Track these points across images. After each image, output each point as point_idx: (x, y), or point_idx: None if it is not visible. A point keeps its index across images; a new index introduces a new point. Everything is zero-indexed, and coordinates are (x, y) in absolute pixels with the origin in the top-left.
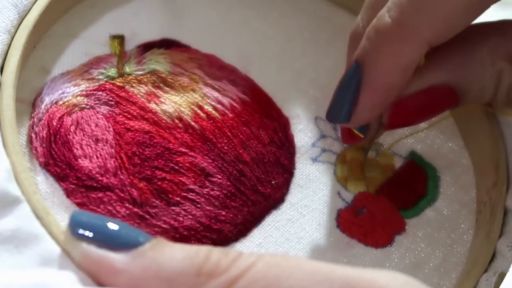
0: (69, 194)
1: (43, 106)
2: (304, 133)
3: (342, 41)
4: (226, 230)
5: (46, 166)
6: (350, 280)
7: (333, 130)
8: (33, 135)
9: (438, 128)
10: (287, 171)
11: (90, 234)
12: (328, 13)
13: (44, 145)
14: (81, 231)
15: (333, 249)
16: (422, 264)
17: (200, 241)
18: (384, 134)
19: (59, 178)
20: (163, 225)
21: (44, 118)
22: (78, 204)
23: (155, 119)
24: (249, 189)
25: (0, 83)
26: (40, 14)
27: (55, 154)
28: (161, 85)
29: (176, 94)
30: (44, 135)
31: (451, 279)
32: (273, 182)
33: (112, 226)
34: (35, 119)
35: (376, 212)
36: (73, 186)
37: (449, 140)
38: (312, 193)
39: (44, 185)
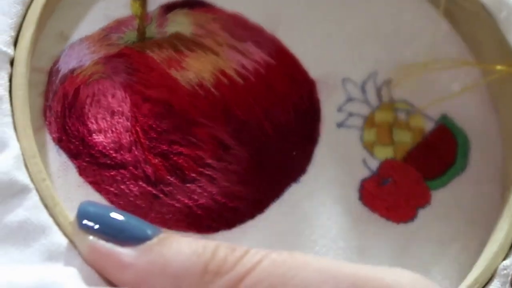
0: (81, 172)
1: (59, 76)
2: (330, 96)
3: (379, 1)
4: (242, 207)
5: (59, 142)
6: (357, 279)
7: (361, 92)
8: (47, 109)
9: (472, 93)
10: (310, 140)
11: (97, 226)
12: None
13: (58, 119)
14: (87, 223)
15: (352, 226)
16: (445, 241)
17: (214, 220)
18: (416, 94)
19: (72, 155)
20: (177, 204)
21: (59, 90)
22: (90, 183)
23: (175, 86)
24: (269, 162)
25: (14, 58)
26: None
27: (68, 129)
28: (182, 48)
29: (198, 58)
30: (59, 109)
31: (474, 260)
32: (294, 153)
33: (120, 218)
34: (50, 91)
35: (401, 182)
36: (85, 164)
37: (482, 108)
38: (336, 162)
39: (57, 162)
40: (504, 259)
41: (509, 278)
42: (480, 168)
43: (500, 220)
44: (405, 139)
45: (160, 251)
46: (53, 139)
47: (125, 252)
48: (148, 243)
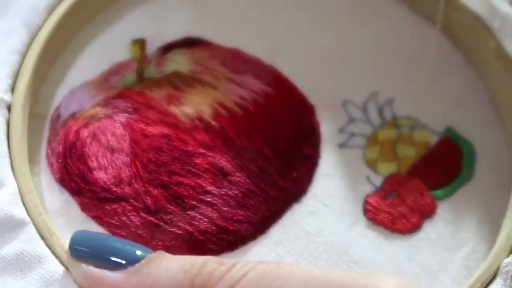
0: (84, 208)
1: (60, 120)
2: (331, 119)
3: (375, 22)
4: (243, 230)
5: (61, 181)
6: (342, 283)
7: (362, 112)
8: (49, 151)
9: (476, 104)
10: (310, 161)
11: (88, 251)
12: None
13: (59, 160)
14: (79, 249)
15: (356, 240)
16: (453, 248)
17: (215, 244)
18: (419, 109)
19: (74, 192)
20: (178, 231)
21: (60, 133)
22: (93, 217)
23: (174, 121)
24: (269, 184)
25: (11, 104)
26: (52, 31)
27: (70, 168)
28: (181, 85)
29: (197, 93)
30: (60, 150)
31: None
32: (294, 174)
33: (110, 243)
34: (52, 135)
35: (406, 195)
36: (87, 200)
37: (487, 118)
38: (338, 180)
39: (59, 200)
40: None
41: (510, 274)
42: (486, 177)
43: (504, 221)
44: (409, 153)
45: (148, 271)
46: (56, 179)
47: (115, 276)
48: (137, 265)
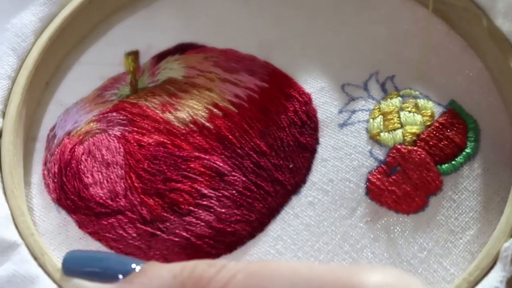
0: (81, 225)
1: (55, 140)
2: (329, 104)
3: (369, 11)
4: (241, 230)
5: (58, 201)
6: (326, 278)
7: (364, 90)
8: (45, 172)
9: (477, 81)
10: (307, 150)
11: (81, 272)
12: None
13: (55, 180)
14: (72, 270)
15: (358, 225)
16: (457, 231)
17: (213, 247)
18: (422, 84)
19: (71, 210)
20: (175, 239)
21: (56, 152)
22: (90, 233)
23: (169, 128)
24: (266, 180)
25: (2, 130)
26: (40, 54)
27: (65, 187)
28: (175, 91)
29: (192, 97)
30: (56, 170)
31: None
32: (290, 165)
33: (102, 261)
34: (48, 155)
35: (411, 170)
36: (84, 217)
37: (489, 94)
38: (339, 163)
39: (57, 219)
40: None
41: (509, 259)
42: (491, 154)
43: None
44: (415, 121)
45: (140, 281)
46: (52, 199)
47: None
48: (130, 276)
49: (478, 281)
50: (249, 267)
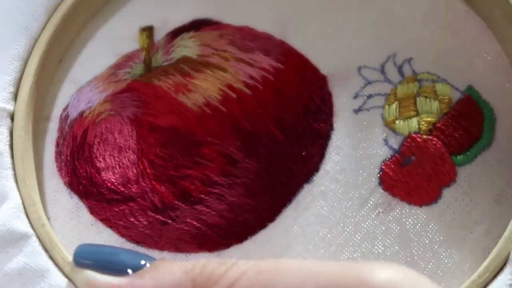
0: (92, 211)
1: (69, 120)
2: (344, 87)
3: None
4: (251, 220)
5: (70, 185)
6: (336, 275)
7: (380, 73)
8: (58, 155)
9: (496, 67)
10: (321, 137)
11: (92, 262)
12: None
13: (68, 163)
14: (83, 261)
15: (370, 216)
16: (469, 225)
17: (224, 237)
18: (439, 67)
19: (83, 195)
20: (186, 227)
21: (68, 135)
22: (101, 220)
23: (182, 110)
24: (279, 168)
25: (14, 113)
26: (53, 33)
27: (77, 172)
28: (189, 71)
29: (205, 78)
30: (68, 153)
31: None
32: (303, 153)
33: (114, 256)
34: (61, 137)
35: (425, 160)
36: (95, 203)
37: (507, 82)
38: (353, 151)
39: (69, 204)
40: None
41: None
42: (506, 144)
43: None
44: (431, 108)
45: (151, 276)
46: (65, 183)
47: (118, 281)
48: (141, 271)
49: (487, 283)
50: (259, 264)
